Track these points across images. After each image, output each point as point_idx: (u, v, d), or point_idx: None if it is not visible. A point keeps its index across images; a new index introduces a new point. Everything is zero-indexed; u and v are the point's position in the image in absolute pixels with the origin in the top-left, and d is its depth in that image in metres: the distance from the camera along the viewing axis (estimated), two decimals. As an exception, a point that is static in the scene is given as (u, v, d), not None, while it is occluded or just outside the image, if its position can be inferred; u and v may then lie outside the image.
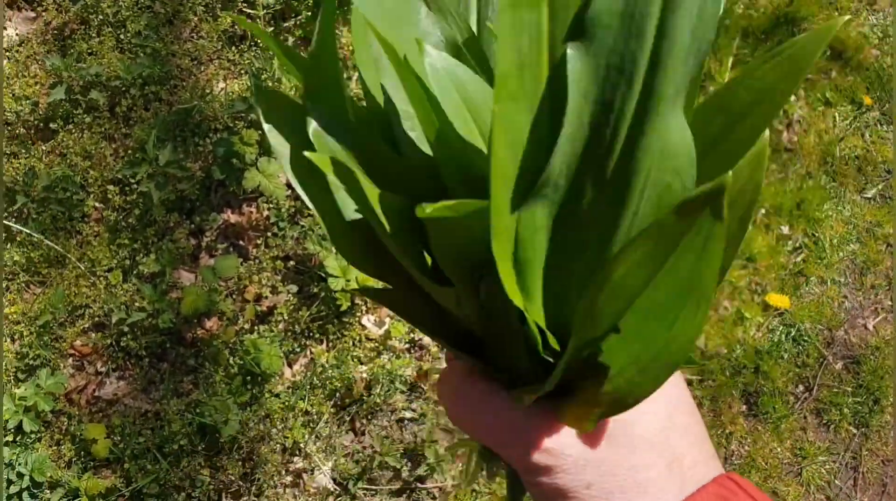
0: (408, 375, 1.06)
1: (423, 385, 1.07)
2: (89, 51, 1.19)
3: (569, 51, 0.19)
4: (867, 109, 1.34)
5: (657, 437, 0.23)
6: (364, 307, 1.08)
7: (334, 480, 1.01)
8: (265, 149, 1.09)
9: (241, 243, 1.12)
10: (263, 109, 0.25)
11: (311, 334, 1.06)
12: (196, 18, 1.23)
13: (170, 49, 1.20)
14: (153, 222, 1.10)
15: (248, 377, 1.02)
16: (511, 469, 0.26)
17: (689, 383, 1.13)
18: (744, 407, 1.13)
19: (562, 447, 0.24)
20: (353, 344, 1.07)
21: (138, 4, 1.22)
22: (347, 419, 1.04)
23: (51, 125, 1.15)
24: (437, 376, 0.29)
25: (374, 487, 1.01)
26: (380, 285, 0.27)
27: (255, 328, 1.06)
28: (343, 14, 1.16)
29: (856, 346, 1.18)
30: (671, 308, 0.19)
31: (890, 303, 1.21)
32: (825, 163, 1.29)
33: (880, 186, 1.29)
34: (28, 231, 1.07)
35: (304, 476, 1.01)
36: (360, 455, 1.03)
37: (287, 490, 1.00)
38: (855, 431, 1.11)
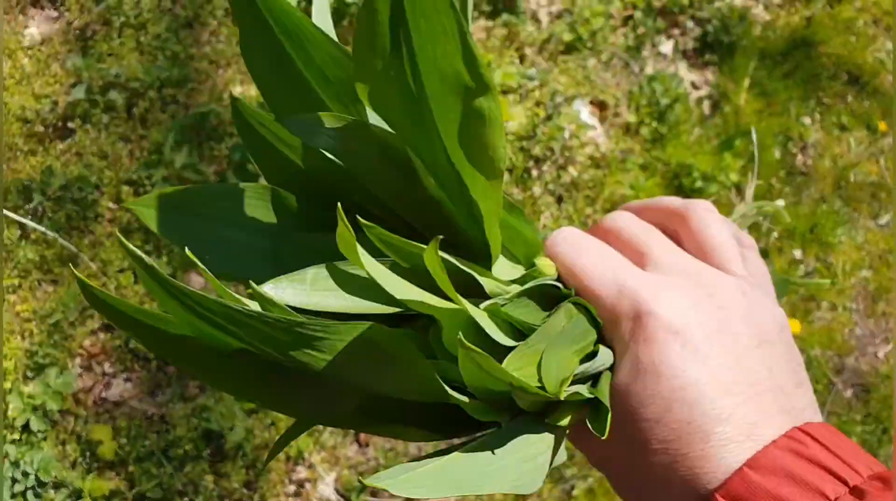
0: (414, 387, 1.06)
1: (429, 398, 1.06)
2: (109, 52, 1.20)
3: None
4: (882, 135, 1.34)
5: (649, 441, 0.22)
6: (373, 317, 1.08)
7: (337, 491, 1.01)
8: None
9: (252, 248, 1.12)
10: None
11: (319, 342, 1.06)
12: (215, 23, 1.24)
13: (188, 52, 1.21)
14: (166, 224, 1.10)
15: (256, 384, 1.02)
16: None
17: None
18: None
19: (586, 446, 0.25)
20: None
21: (159, 7, 1.23)
22: (352, 430, 1.04)
23: (69, 124, 1.16)
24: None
25: (376, 499, 1.01)
26: None
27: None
28: None
29: (866, 374, 1.17)
30: None
31: (901, 331, 1.20)
32: (839, 188, 1.29)
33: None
34: (43, 229, 1.07)
35: (307, 485, 1.01)
36: (364, 466, 1.02)
37: (289, 500, 1.00)
38: (863, 460, 1.10)
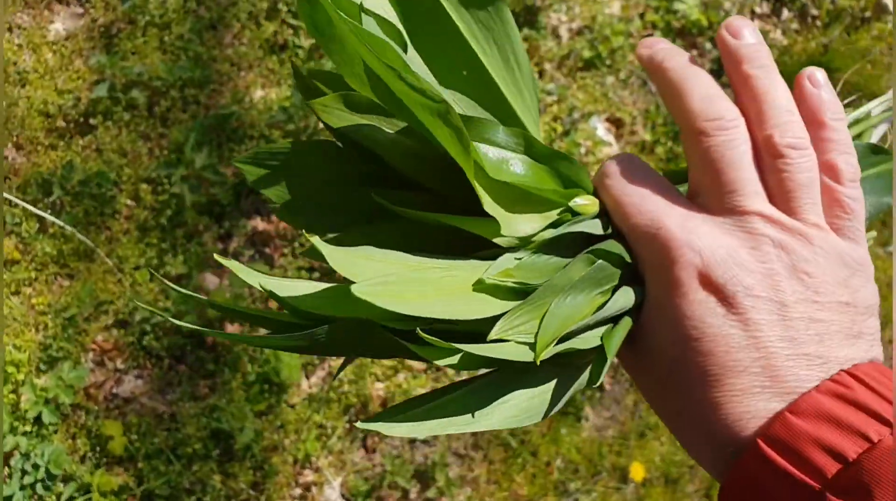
0: (423, 395, 1.07)
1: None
2: (133, 50, 1.21)
3: None
4: (895, 163, 1.35)
5: (667, 389, 0.22)
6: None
7: (343, 496, 1.02)
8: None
9: (267, 250, 1.13)
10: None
11: (330, 347, 1.07)
12: (239, 25, 1.25)
13: (211, 54, 1.22)
14: (183, 223, 1.11)
15: (266, 386, 1.02)
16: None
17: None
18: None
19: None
20: (371, 361, 1.07)
21: (184, 8, 1.25)
22: (360, 435, 1.04)
23: (90, 121, 1.17)
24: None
25: (382, 505, 1.01)
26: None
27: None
28: None
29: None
30: None
31: (907, 359, 1.21)
32: (850, 214, 1.30)
33: (903, 241, 1.29)
34: (61, 223, 1.08)
35: (314, 489, 1.02)
36: (370, 472, 1.03)
37: (295, 502, 1.01)
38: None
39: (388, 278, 0.21)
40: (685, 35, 1.31)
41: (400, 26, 0.24)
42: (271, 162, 0.26)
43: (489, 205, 0.23)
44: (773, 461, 0.20)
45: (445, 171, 0.24)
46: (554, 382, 0.23)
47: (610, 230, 0.24)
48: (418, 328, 0.21)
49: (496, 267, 0.23)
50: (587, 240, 0.24)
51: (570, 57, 1.26)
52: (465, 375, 0.23)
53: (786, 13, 1.37)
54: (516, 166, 0.24)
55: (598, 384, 0.22)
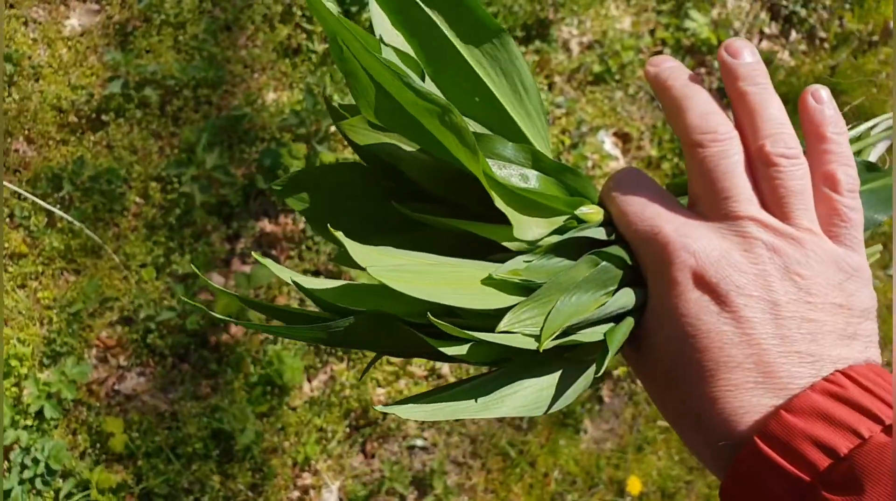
0: (423, 402, 1.07)
1: (437, 414, 1.07)
2: (147, 48, 1.22)
3: None
4: (898, 187, 1.36)
5: (674, 382, 0.23)
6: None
7: (340, 500, 1.02)
8: (311, 164, 1.12)
9: (273, 252, 1.13)
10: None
11: (333, 351, 1.07)
12: (253, 27, 1.26)
13: (225, 55, 1.23)
14: (192, 222, 1.12)
15: (269, 388, 1.03)
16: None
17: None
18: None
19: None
20: (374, 366, 1.08)
21: (199, 8, 1.25)
22: (360, 440, 1.05)
23: (103, 117, 1.17)
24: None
25: (379, 511, 1.01)
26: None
27: (280, 338, 1.07)
28: None
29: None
30: None
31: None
32: (853, 236, 1.31)
33: (904, 265, 1.30)
34: (70, 218, 1.09)
35: (312, 492, 1.02)
36: (369, 477, 1.03)
37: (293, 505, 1.01)
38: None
39: (403, 266, 0.23)
40: (695, 53, 1.33)
41: (418, 59, 0.26)
42: (308, 184, 0.28)
43: (501, 204, 0.25)
44: (768, 456, 0.21)
45: (460, 182, 0.26)
46: (559, 374, 0.24)
47: (614, 237, 0.26)
48: (429, 313, 0.22)
49: (506, 266, 0.24)
50: (592, 246, 0.26)
51: (580, 71, 1.27)
52: (472, 372, 0.25)
53: (794, 35, 1.38)
54: (524, 178, 0.26)
55: (600, 373, 0.23)
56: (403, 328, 0.23)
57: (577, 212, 0.26)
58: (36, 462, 0.94)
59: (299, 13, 1.27)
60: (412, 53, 0.27)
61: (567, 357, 0.25)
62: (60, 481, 0.96)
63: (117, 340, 1.06)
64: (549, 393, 0.24)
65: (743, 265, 0.23)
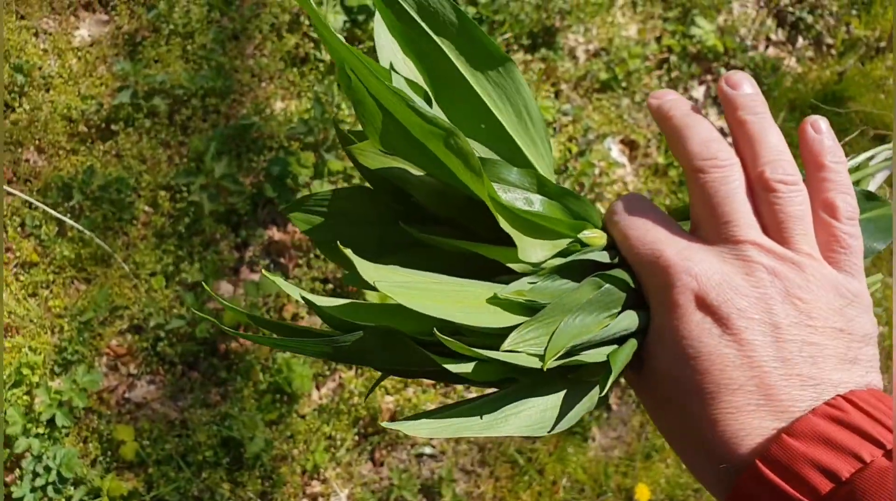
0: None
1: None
2: (156, 58, 1.23)
3: None
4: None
5: (670, 401, 0.24)
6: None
7: (350, 507, 1.02)
8: (319, 172, 1.12)
9: (282, 260, 1.14)
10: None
11: (342, 359, 1.08)
12: (261, 37, 1.27)
13: (233, 64, 1.24)
14: (200, 231, 1.12)
15: (278, 396, 1.03)
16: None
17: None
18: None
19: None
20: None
21: (208, 18, 1.26)
22: (369, 448, 1.05)
23: (112, 126, 1.18)
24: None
25: (388, 519, 1.02)
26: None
27: (288, 347, 1.07)
28: None
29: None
30: None
31: (913, 389, 1.21)
32: (861, 242, 1.30)
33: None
34: (80, 227, 1.09)
35: (321, 500, 1.02)
36: (377, 485, 1.04)
37: (302, 513, 1.01)
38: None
39: (410, 283, 0.24)
40: (701, 60, 1.33)
41: (426, 87, 0.27)
42: (316, 208, 0.29)
43: (506, 226, 0.25)
44: (770, 480, 0.21)
45: (467, 206, 0.27)
46: (563, 394, 0.25)
47: (617, 261, 0.27)
48: (436, 330, 0.23)
49: (511, 287, 0.25)
50: (595, 269, 0.26)
51: (586, 78, 1.27)
52: (475, 392, 0.25)
53: (801, 41, 1.38)
54: (529, 202, 0.26)
55: (604, 393, 0.24)
56: (410, 345, 0.24)
57: (580, 236, 0.27)
58: (48, 469, 0.95)
59: (307, 23, 1.28)
60: (420, 81, 0.27)
61: (571, 378, 0.25)
62: (72, 489, 0.96)
63: (127, 348, 1.07)
64: (553, 414, 0.24)
65: (744, 289, 0.23)
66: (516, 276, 0.25)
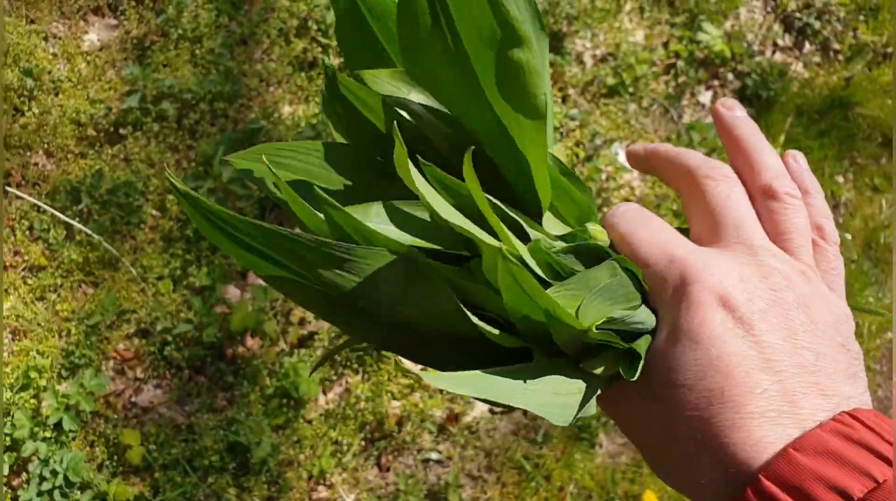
0: (438, 416, 1.07)
1: (452, 428, 1.07)
2: (165, 62, 1.24)
3: None
4: (913, 199, 1.35)
5: (681, 406, 0.22)
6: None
7: (356, 513, 1.02)
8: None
9: (289, 265, 1.14)
10: None
11: (349, 363, 1.08)
12: (269, 41, 1.28)
13: (241, 68, 1.24)
14: (208, 235, 1.12)
15: (285, 400, 1.03)
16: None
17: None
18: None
19: (616, 410, 0.25)
20: (389, 378, 1.08)
21: (216, 23, 1.27)
22: (375, 453, 1.05)
23: (121, 131, 1.19)
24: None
25: (394, 525, 1.01)
26: None
27: (295, 351, 1.07)
28: None
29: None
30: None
31: (923, 396, 1.20)
32: (869, 249, 1.30)
33: (921, 277, 1.29)
34: (88, 231, 1.10)
35: (327, 505, 1.02)
36: (384, 491, 1.03)
37: (309, 518, 1.01)
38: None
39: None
40: (708, 65, 1.33)
41: None
42: (272, 157, 0.26)
43: (544, 185, 0.24)
44: (774, 496, 0.20)
45: (482, 167, 0.24)
46: (581, 384, 0.24)
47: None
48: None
49: (536, 242, 0.23)
50: (602, 259, 0.25)
51: (593, 83, 1.28)
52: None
53: (808, 46, 1.38)
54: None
55: (635, 378, 0.23)
56: (435, 279, 0.21)
57: (587, 225, 0.26)
58: (55, 473, 0.94)
59: (315, 27, 1.28)
60: None
61: (582, 368, 0.24)
62: (78, 493, 0.96)
63: (134, 352, 1.07)
64: (571, 402, 0.23)
65: (763, 291, 0.23)
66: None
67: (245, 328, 1.04)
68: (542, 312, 0.22)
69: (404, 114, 0.25)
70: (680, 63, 1.31)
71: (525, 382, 0.22)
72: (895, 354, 1.24)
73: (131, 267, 1.10)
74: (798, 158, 0.27)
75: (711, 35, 1.31)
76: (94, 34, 1.27)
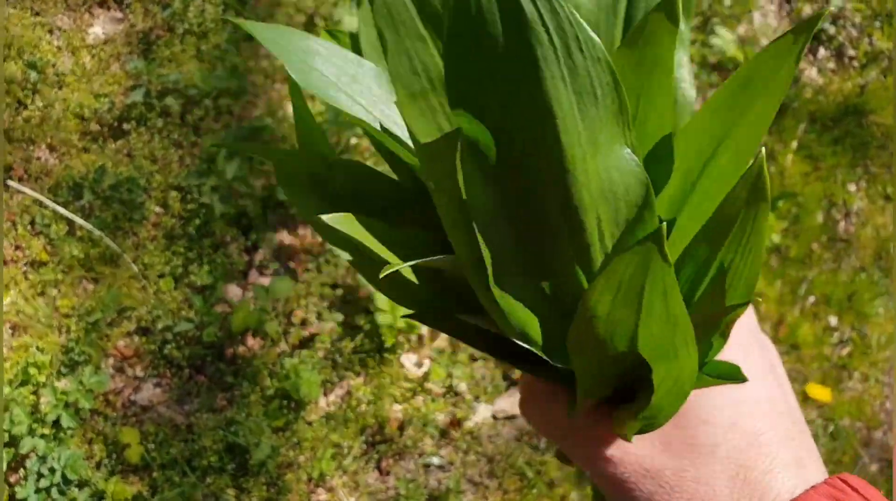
0: (440, 420, 1.06)
1: (454, 433, 1.06)
2: (170, 57, 1.22)
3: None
4: (926, 208, 1.33)
5: (718, 447, 0.22)
6: (406, 346, 1.08)
7: (355, 517, 1.01)
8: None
9: (291, 264, 1.13)
10: (280, 178, 0.25)
11: (350, 365, 1.07)
12: (276, 38, 1.26)
13: (247, 65, 1.23)
14: (211, 233, 1.11)
15: (285, 402, 1.02)
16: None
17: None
18: None
19: (621, 454, 0.23)
20: (391, 381, 1.07)
21: (222, 18, 1.26)
22: (376, 456, 1.04)
23: (124, 126, 1.18)
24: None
25: (394, 530, 1.00)
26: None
27: (296, 352, 1.06)
28: None
29: (893, 449, 1.16)
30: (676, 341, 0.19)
31: (931, 409, 1.19)
32: (879, 259, 1.28)
33: (932, 288, 1.27)
34: (90, 227, 1.09)
35: (326, 508, 1.01)
36: (384, 495, 1.02)
37: (307, 521, 1.00)
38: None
39: None
40: (721, 70, 1.31)
41: None
42: (305, 174, 0.26)
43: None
44: None
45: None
46: None
47: None
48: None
49: None
50: None
51: (603, 86, 1.26)
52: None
53: (822, 52, 1.36)
54: None
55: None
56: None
57: None
58: (52, 471, 0.94)
59: (322, 24, 1.27)
60: None
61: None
62: (76, 490, 0.96)
63: (134, 350, 1.06)
64: None
65: (767, 343, 0.25)
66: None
67: (246, 327, 1.03)
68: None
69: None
70: (693, 67, 1.29)
71: None
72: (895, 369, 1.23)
73: (133, 264, 1.09)
74: None
75: (725, 39, 1.29)
76: (99, 27, 1.26)
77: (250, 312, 1.03)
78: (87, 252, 1.09)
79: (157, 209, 1.13)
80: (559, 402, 0.24)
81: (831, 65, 1.35)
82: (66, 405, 0.98)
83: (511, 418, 1.08)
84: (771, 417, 0.22)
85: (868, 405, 1.18)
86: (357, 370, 1.07)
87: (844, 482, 0.22)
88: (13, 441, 0.96)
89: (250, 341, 1.06)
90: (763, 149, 0.19)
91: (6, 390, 0.99)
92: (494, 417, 1.07)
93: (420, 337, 1.09)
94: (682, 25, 0.23)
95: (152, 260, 1.09)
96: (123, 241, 1.10)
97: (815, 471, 0.22)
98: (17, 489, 0.96)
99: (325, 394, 1.06)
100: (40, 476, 0.95)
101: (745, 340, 0.23)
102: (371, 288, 1.07)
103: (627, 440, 0.22)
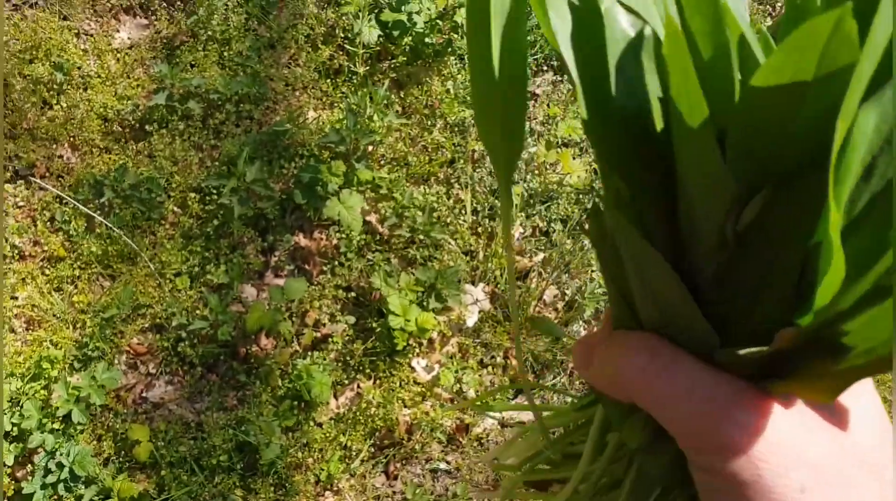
0: (448, 426, 1.06)
1: (461, 439, 1.06)
2: (193, 63, 1.25)
3: None
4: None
5: (871, 452, 0.20)
6: (417, 350, 1.09)
7: (362, 521, 1.00)
8: (349, 181, 1.13)
9: (306, 266, 1.14)
10: None
11: (361, 368, 1.07)
12: (296, 47, 1.29)
13: (268, 72, 1.26)
14: (228, 234, 1.13)
15: (296, 402, 1.02)
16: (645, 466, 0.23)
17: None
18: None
19: (776, 432, 0.19)
20: (401, 385, 1.07)
21: (245, 26, 1.29)
22: (383, 460, 1.03)
23: (146, 127, 1.20)
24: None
25: (401, 535, 1.00)
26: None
27: (309, 353, 1.07)
28: None
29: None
30: None
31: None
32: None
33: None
34: (109, 224, 1.10)
35: (334, 511, 1.00)
36: (390, 499, 1.02)
37: (314, 524, 0.99)
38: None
39: None
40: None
41: None
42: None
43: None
44: None
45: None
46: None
47: None
48: None
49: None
50: None
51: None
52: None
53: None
54: None
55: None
56: None
57: None
58: (60, 466, 0.93)
59: (342, 35, 1.30)
60: None
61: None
62: (83, 487, 0.95)
63: (148, 347, 1.06)
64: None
65: None
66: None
67: (260, 327, 1.04)
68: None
69: None
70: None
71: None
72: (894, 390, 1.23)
73: (149, 262, 1.10)
74: None
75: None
76: (125, 32, 1.29)
77: (265, 312, 1.04)
78: (104, 249, 1.10)
79: (176, 209, 1.15)
80: (686, 362, 0.20)
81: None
82: (78, 400, 0.98)
83: (519, 425, 1.08)
84: (831, 469, 0.19)
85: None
86: (368, 373, 1.07)
87: None
88: (21, 436, 0.96)
89: (263, 341, 1.07)
90: None
91: (17, 384, 1.00)
92: (502, 424, 1.07)
93: (431, 341, 1.10)
94: None
95: (169, 259, 1.10)
96: (141, 239, 1.12)
97: None
98: (23, 484, 0.95)
99: (336, 396, 1.06)
100: (48, 471, 0.94)
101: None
102: (383, 291, 1.08)
103: (826, 401, 0.19)
